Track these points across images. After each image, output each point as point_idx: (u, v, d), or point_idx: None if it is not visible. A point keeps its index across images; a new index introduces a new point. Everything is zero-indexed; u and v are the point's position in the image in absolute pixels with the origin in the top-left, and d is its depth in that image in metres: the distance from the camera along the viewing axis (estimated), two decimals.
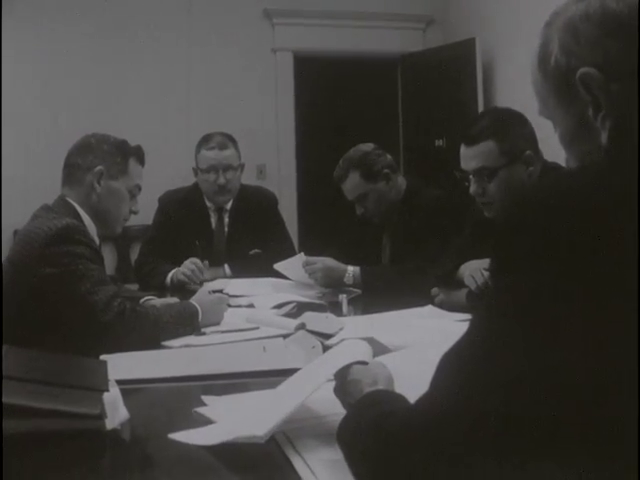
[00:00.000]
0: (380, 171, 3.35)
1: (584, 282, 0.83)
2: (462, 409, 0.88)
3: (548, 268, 0.85)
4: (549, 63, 1.05)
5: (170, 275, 3.32)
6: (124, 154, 2.48)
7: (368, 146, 3.44)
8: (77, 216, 2.36)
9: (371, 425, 1.04)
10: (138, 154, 2.54)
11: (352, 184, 3.36)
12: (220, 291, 3.07)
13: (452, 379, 0.92)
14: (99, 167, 2.40)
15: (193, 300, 2.39)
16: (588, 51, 1.00)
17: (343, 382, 1.28)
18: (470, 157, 2.54)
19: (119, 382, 1.57)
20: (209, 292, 2.58)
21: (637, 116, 0.96)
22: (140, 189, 2.56)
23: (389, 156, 3.44)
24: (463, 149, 2.57)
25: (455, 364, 0.93)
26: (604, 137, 1.00)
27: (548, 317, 0.84)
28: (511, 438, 0.84)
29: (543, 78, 1.08)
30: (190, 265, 3.29)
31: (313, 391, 1.29)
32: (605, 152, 1.01)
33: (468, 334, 0.94)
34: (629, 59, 0.97)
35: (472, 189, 2.53)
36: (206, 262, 3.35)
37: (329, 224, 5.21)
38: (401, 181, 3.44)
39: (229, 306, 2.59)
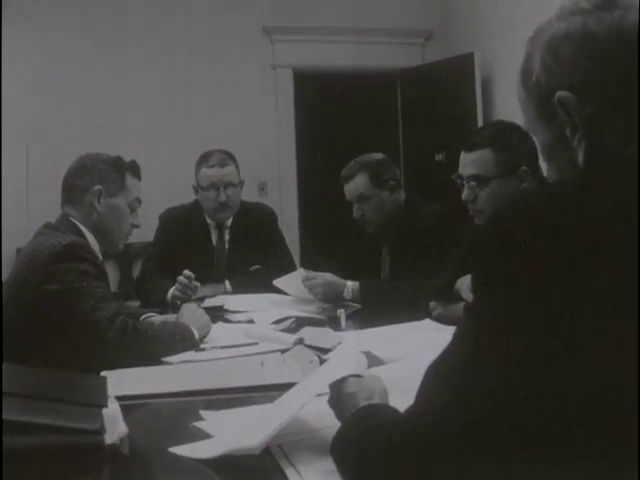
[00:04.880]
0: (387, 180, 3.42)
1: (559, 296, 0.86)
2: (444, 421, 0.90)
3: (524, 282, 0.88)
4: (530, 79, 1.08)
5: (170, 292, 3.32)
6: (120, 170, 2.51)
7: (381, 155, 3.54)
8: (80, 234, 2.39)
9: (361, 438, 1.06)
10: (133, 168, 2.57)
11: (358, 184, 3.41)
12: (221, 307, 3.10)
13: (435, 392, 0.95)
14: (97, 187, 2.43)
15: (180, 318, 2.42)
16: (567, 71, 1.02)
17: (339, 394, 1.29)
18: (467, 163, 2.58)
19: (119, 398, 1.59)
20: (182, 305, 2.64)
21: (622, 138, 0.99)
22: (140, 202, 2.59)
23: (397, 171, 3.52)
24: (462, 154, 2.62)
25: (438, 376, 0.96)
26: (580, 157, 1.03)
27: (524, 330, 0.87)
28: (493, 446, 0.86)
29: (525, 93, 1.10)
30: (181, 279, 3.30)
31: (306, 402, 1.31)
32: (582, 172, 1.04)
33: (450, 347, 0.96)
34: (604, 82, 1.00)
35: (464, 195, 2.57)
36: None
37: (330, 240, 5.22)
38: (402, 197, 3.48)
39: (229, 321, 2.60)
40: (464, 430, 0.88)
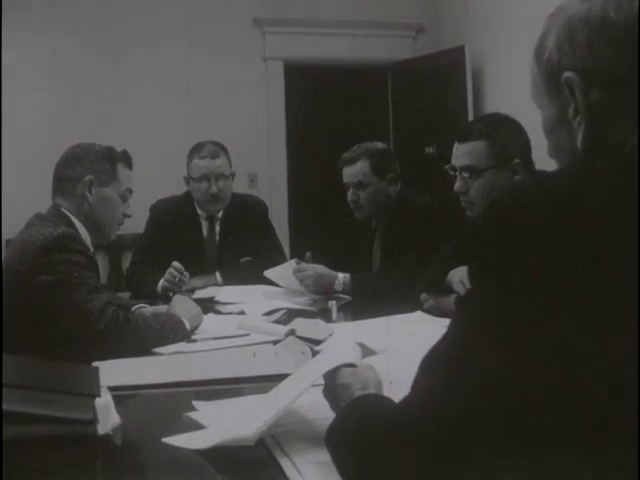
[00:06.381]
0: (388, 172, 3.42)
1: (553, 286, 0.86)
2: (440, 411, 0.90)
3: (519, 273, 0.88)
4: (543, 55, 1.07)
5: (160, 283, 3.32)
6: (111, 160, 2.50)
7: (384, 145, 3.58)
8: (71, 225, 2.37)
9: (356, 428, 1.06)
10: (125, 158, 2.56)
11: (359, 169, 3.40)
12: (211, 298, 3.10)
13: (430, 381, 0.95)
14: (88, 177, 2.42)
15: (171, 310, 2.42)
16: (579, 55, 1.01)
17: (333, 384, 1.30)
18: (460, 154, 2.58)
19: (112, 388, 1.59)
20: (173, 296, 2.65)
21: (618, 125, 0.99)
22: (131, 192, 2.58)
23: (397, 164, 3.52)
24: (455, 145, 2.62)
25: (433, 366, 0.96)
26: (578, 140, 1.03)
27: (519, 320, 0.87)
28: (488, 436, 0.87)
29: (537, 67, 1.10)
30: (171, 271, 3.29)
31: (301, 393, 1.31)
32: (579, 162, 1.04)
33: (446, 336, 0.96)
34: (614, 70, 0.99)
35: (456, 186, 2.57)
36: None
37: (320, 231, 5.22)
38: (397, 190, 3.47)
39: (219, 313, 2.59)
40: (459, 420, 0.88)
